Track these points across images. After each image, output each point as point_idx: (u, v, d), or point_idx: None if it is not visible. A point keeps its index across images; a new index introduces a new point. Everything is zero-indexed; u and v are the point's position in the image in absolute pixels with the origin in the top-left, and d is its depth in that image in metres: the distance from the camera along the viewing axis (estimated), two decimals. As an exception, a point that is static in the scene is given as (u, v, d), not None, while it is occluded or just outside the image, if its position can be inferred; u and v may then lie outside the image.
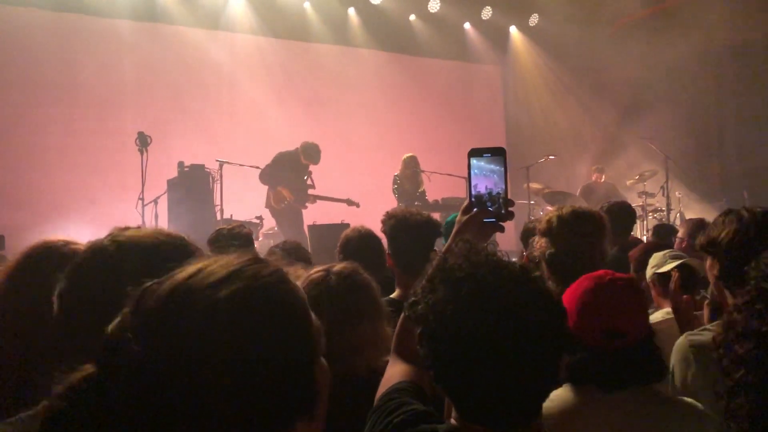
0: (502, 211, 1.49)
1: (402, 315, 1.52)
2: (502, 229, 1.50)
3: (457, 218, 1.53)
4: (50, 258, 1.58)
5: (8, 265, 1.67)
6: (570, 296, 1.66)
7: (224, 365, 0.81)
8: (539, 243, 2.39)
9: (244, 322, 0.83)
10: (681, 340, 1.95)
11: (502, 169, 1.49)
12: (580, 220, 2.34)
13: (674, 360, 1.95)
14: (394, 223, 2.81)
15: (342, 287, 1.95)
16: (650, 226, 8.57)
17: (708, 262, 2.05)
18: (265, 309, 0.86)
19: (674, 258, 3.01)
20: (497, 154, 1.50)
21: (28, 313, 1.45)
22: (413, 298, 1.15)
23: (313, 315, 0.93)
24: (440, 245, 3.73)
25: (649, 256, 3.15)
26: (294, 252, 3.75)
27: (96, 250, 1.26)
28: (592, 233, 2.34)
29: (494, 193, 1.49)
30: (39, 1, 8.99)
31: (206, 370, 0.80)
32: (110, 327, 0.89)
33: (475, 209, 1.50)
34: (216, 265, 0.89)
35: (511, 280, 1.10)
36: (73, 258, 1.37)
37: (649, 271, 3.06)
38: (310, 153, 8.53)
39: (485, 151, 1.50)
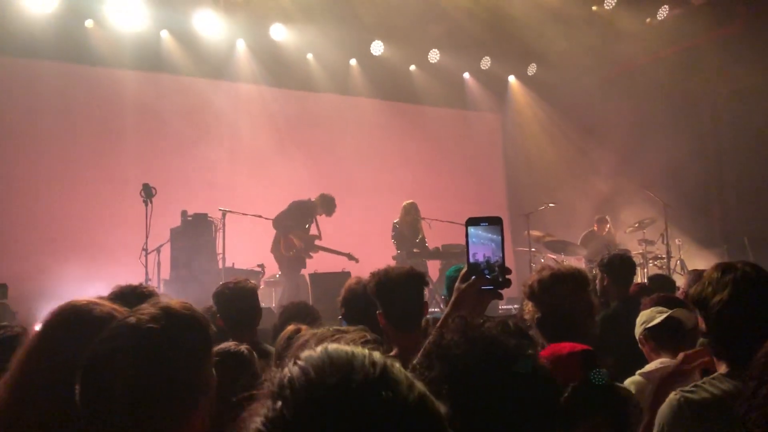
0: (500, 279, 1.52)
1: None
2: (500, 297, 1.54)
3: (456, 285, 1.57)
4: (79, 322, 1.69)
5: (40, 328, 1.75)
6: None
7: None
8: (527, 307, 2.44)
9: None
10: (673, 397, 1.94)
11: (500, 237, 1.54)
12: (559, 281, 2.39)
13: (664, 416, 1.94)
14: (377, 281, 2.82)
15: None
16: (651, 274, 8.58)
17: (699, 317, 2.07)
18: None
19: (661, 312, 3.03)
20: (494, 223, 1.54)
21: (58, 376, 1.51)
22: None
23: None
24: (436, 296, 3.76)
25: (667, 307, 3.16)
26: (301, 314, 3.78)
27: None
28: (573, 291, 2.38)
29: (492, 261, 1.53)
30: (42, 53, 9.12)
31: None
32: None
33: (473, 277, 1.53)
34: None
35: (506, 359, 1.12)
36: (99, 321, 1.52)
37: (639, 329, 3.09)
38: (327, 205, 8.73)
39: (483, 220, 1.55)
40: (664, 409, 1.95)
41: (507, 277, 1.53)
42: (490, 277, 1.52)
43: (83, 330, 1.56)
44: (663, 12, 10.76)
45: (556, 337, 2.31)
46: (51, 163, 9.30)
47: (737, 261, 2.07)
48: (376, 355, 0.77)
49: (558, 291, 2.37)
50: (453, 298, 1.55)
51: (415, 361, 1.18)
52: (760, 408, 1.20)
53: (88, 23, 9.48)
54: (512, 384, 1.10)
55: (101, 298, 3.29)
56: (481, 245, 1.54)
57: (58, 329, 1.69)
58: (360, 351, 0.77)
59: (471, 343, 1.14)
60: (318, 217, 8.79)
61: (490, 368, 1.11)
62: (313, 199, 8.74)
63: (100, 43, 9.52)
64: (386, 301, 2.78)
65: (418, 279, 2.84)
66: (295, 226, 8.53)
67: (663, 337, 3.01)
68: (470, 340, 1.15)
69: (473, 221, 1.55)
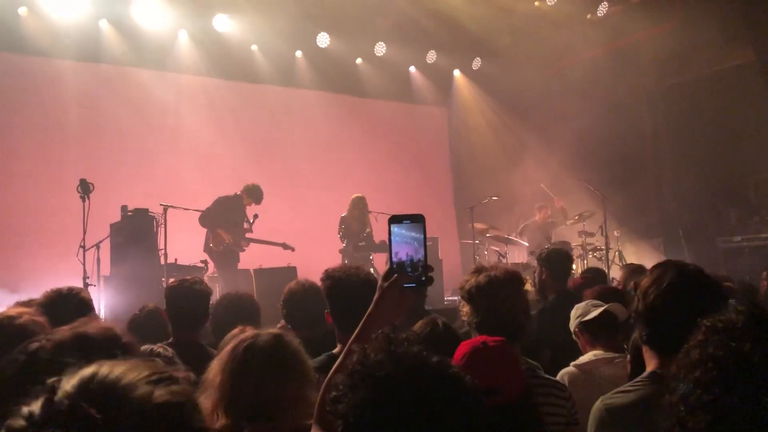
0: (422, 278, 1.54)
1: (323, 384, 1.53)
2: (423, 295, 1.57)
3: (379, 284, 1.58)
4: None
5: None
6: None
7: None
8: (464, 310, 2.49)
9: None
10: (597, 404, 1.97)
11: (422, 236, 1.56)
12: (495, 285, 2.44)
13: (591, 424, 1.97)
14: (331, 284, 2.83)
15: (271, 347, 2.05)
16: (590, 265, 8.82)
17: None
18: None
19: (596, 306, 3.14)
20: (417, 221, 1.56)
21: None
22: (334, 393, 1.14)
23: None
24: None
25: (606, 299, 3.28)
26: (240, 302, 3.78)
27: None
28: (509, 294, 2.44)
29: (415, 260, 1.55)
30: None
31: None
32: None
33: (395, 275, 1.55)
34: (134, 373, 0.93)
35: (431, 380, 1.10)
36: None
37: (574, 322, 3.19)
38: (253, 194, 8.62)
39: (405, 218, 1.56)
40: (590, 417, 1.99)
41: (429, 275, 1.55)
42: (412, 276, 1.54)
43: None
44: (603, 9, 11.01)
45: None
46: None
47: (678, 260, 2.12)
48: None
49: (495, 294, 2.42)
50: (376, 297, 1.57)
51: (338, 380, 1.15)
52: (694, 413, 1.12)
53: (22, 11, 9.09)
54: (436, 409, 1.08)
55: (30, 301, 3.21)
56: (404, 244, 1.56)
57: None
58: None
59: (396, 363, 1.12)
60: (249, 208, 8.69)
61: (416, 392, 1.08)
62: (238, 192, 8.66)
63: (35, 32, 9.14)
64: (337, 305, 2.78)
65: (372, 288, 2.85)
66: (223, 221, 8.43)
67: (597, 330, 3.11)
68: (395, 359, 1.12)
69: (396, 219, 1.56)
